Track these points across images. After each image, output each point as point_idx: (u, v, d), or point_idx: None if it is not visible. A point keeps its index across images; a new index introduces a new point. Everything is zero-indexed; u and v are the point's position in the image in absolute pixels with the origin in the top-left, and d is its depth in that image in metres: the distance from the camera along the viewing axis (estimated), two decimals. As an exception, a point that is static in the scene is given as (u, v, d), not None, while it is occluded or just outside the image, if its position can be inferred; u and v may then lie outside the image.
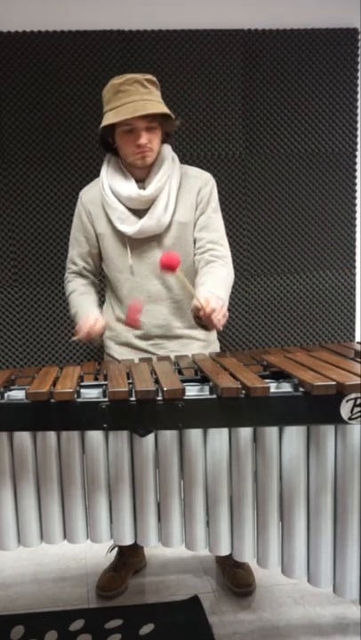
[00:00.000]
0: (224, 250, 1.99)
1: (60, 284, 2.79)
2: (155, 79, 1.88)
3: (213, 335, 2.11)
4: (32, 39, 2.61)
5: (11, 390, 1.57)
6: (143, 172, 1.94)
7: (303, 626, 1.93)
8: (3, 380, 1.60)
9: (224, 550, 1.54)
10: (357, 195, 2.92)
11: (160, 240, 1.96)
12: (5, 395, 1.54)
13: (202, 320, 1.74)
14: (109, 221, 1.97)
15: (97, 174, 2.70)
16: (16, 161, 2.69)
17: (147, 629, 1.92)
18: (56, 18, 2.61)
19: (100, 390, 1.53)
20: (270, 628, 1.93)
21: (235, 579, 2.12)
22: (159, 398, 1.45)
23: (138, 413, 1.46)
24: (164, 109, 1.84)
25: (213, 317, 1.69)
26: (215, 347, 2.13)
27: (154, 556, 2.34)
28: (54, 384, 1.52)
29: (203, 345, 2.06)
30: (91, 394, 1.54)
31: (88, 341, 2.00)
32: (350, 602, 2.02)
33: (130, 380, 1.56)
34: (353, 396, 1.41)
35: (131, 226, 1.93)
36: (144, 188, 1.92)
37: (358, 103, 2.85)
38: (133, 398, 1.46)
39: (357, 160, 2.89)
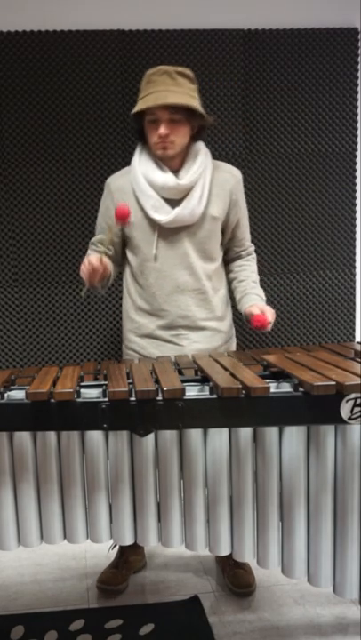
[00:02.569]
0: (251, 244, 2.19)
1: (60, 283, 2.79)
2: (188, 72, 1.87)
3: (233, 330, 2.17)
4: (32, 39, 2.61)
5: (11, 390, 1.57)
6: (177, 162, 1.95)
7: (303, 626, 1.93)
8: (3, 380, 1.60)
9: (224, 550, 1.54)
10: (357, 195, 2.92)
11: (191, 231, 1.98)
12: (5, 395, 1.54)
13: (254, 324, 1.95)
14: (140, 209, 1.96)
15: (96, 174, 2.73)
16: (16, 161, 2.69)
17: (147, 629, 1.92)
18: (56, 18, 2.62)
19: (100, 390, 1.53)
20: (270, 627, 1.93)
21: (235, 579, 2.12)
22: (159, 398, 1.45)
23: (138, 413, 1.46)
24: (185, 101, 1.83)
25: (268, 326, 1.93)
26: (234, 341, 2.18)
27: (154, 556, 2.34)
28: (54, 384, 1.52)
29: (225, 338, 2.10)
30: (91, 394, 1.54)
31: (94, 288, 1.99)
32: (350, 602, 2.02)
33: (130, 380, 1.56)
34: (353, 396, 1.41)
35: (165, 214, 1.93)
36: (178, 178, 1.93)
37: (358, 103, 2.85)
38: (133, 398, 1.46)
39: (357, 160, 2.89)
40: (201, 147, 1.99)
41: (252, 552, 1.54)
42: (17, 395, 1.55)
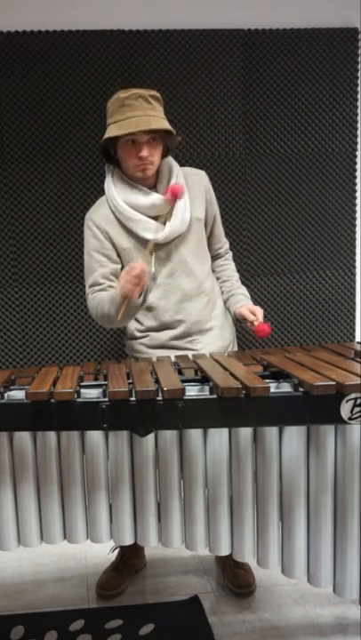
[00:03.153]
0: (225, 240, 2.24)
1: (60, 283, 2.79)
2: (159, 95, 1.92)
3: (234, 327, 2.21)
4: (32, 39, 2.61)
5: (11, 390, 1.57)
6: (152, 180, 1.98)
7: (303, 626, 1.93)
8: (3, 380, 1.60)
9: (224, 550, 1.54)
10: (357, 195, 2.92)
11: (184, 237, 2.01)
12: (5, 395, 1.54)
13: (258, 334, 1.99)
14: (131, 235, 1.98)
15: (96, 174, 2.73)
16: (16, 161, 2.69)
17: (147, 629, 1.92)
18: (56, 18, 2.62)
19: (100, 390, 1.53)
20: (270, 628, 1.93)
21: (235, 579, 2.12)
22: (159, 398, 1.45)
23: (138, 413, 1.46)
24: (166, 125, 1.89)
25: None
26: (235, 338, 2.21)
27: (154, 557, 2.34)
28: (54, 384, 1.52)
29: (233, 332, 2.15)
30: (91, 394, 1.54)
31: (133, 301, 1.82)
32: (350, 602, 2.02)
33: (130, 380, 1.56)
34: (353, 396, 1.41)
35: (158, 232, 1.95)
36: (161, 194, 1.96)
37: (358, 103, 2.85)
38: (133, 398, 1.46)
39: (357, 160, 2.89)
40: (170, 160, 2.04)
41: (252, 552, 1.54)
42: (17, 395, 1.55)
